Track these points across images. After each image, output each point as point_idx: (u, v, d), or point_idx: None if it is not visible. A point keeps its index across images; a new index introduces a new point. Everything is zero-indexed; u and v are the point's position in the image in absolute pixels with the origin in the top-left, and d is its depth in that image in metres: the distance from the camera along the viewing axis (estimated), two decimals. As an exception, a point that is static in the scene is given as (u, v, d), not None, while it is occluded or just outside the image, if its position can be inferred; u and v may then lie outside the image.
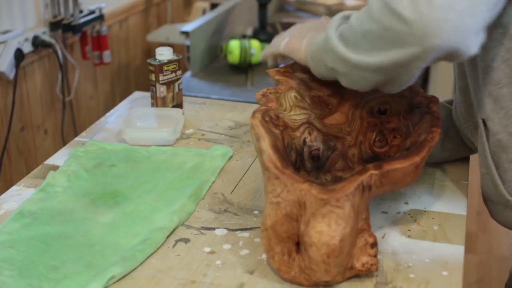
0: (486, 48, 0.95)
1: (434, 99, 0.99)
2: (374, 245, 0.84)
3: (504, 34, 0.92)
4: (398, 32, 0.78)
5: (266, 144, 0.86)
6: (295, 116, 0.99)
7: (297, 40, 1.04)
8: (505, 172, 0.97)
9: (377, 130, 1.02)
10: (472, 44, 0.79)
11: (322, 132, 1.01)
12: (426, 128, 0.93)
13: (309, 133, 0.99)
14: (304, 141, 0.99)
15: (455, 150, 1.14)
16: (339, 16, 0.93)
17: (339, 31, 0.89)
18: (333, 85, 1.02)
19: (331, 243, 0.79)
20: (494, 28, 0.93)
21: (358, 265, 0.84)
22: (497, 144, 0.97)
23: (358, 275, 0.86)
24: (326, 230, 0.79)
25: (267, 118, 0.92)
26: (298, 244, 0.83)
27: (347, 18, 0.92)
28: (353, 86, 0.91)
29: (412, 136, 0.95)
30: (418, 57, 0.79)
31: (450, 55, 0.80)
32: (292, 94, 1.01)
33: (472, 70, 1.01)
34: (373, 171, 0.83)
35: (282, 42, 1.08)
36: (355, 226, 0.82)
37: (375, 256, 0.84)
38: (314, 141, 0.99)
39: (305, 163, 0.98)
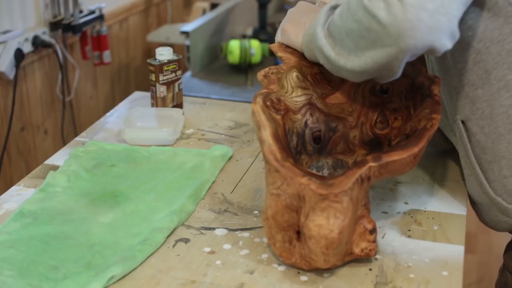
0: (458, 50, 0.96)
1: (435, 80, 0.97)
2: (373, 231, 0.86)
3: (473, 36, 0.93)
4: (376, 33, 0.80)
5: (266, 134, 0.86)
6: (297, 97, 0.99)
7: (293, 28, 1.04)
8: (486, 172, 0.98)
9: (378, 110, 1.01)
10: (447, 41, 0.80)
11: (324, 113, 1.01)
12: (426, 114, 0.92)
13: (311, 115, 0.99)
14: (306, 123, 0.99)
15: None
16: (326, 9, 0.93)
17: (326, 27, 0.90)
18: None
19: (329, 236, 0.80)
20: (464, 31, 0.93)
21: (357, 250, 0.86)
22: (477, 145, 0.98)
23: (357, 275, 0.86)
24: (325, 223, 0.80)
25: (268, 103, 0.92)
26: (298, 232, 0.85)
27: (334, 9, 0.92)
28: (347, 79, 0.93)
29: (412, 120, 0.95)
30: (396, 57, 0.81)
31: (427, 52, 0.81)
32: (294, 74, 1.01)
33: (444, 74, 1.01)
34: (371, 164, 0.83)
35: (279, 31, 1.08)
36: (354, 216, 0.83)
37: (374, 241, 0.86)
38: (316, 122, 1.00)
39: (307, 146, 0.98)
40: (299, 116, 0.98)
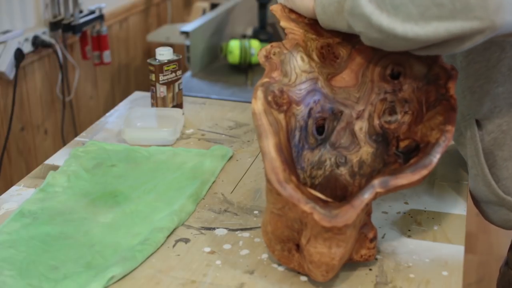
0: (476, 50, 0.95)
1: (452, 73, 0.89)
2: (373, 239, 0.85)
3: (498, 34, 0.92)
4: (466, 3, 0.70)
5: (268, 144, 0.80)
6: (301, 84, 0.92)
7: None
8: (500, 170, 0.97)
9: (387, 99, 0.94)
10: None
11: (329, 99, 0.94)
12: (440, 123, 0.85)
13: (315, 102, 0.93)
14: (309, 112, 0.92)
15: None
16: None
17: None
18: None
19: (330, 263, 0.79)
20: None
21: (356, 257, 0.85)
22: (492, 142, 0.97)
23: (357, 275, 0.86)
24: (327, 252, 0.79)
25: (269, 98, 0.86)
26: (297, 244, 0.84)
27: None
28: (382, 48, 0.84)
29: (423, 123, 0.88)
30: (482, 31, 0.72)
31: (510, 35, 0.74)
32: (299, 55, 0.93)
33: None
34: (378, 190, 0.79)
35: None
36: (356, 234, 0.82)
37: (374, 248, 0.85)
38: (320, 110, 0.94)
39: (309, 138, 0.93)
40: (302, 107, 0.92)
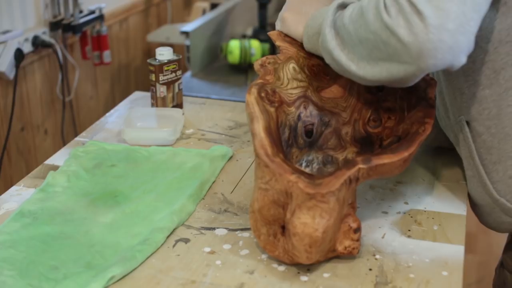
0: None
1: (431, 82, 0.98)
2: (357, 230, 0.87)
3: (481, 37, 0.93)
4: (395, 49, 0.79)
5: (259, 127, 0.86)
6: (292, 90, 0.99)
7: (293, 17, 1.03)
8: (490, 173, 0.97)
9: (372, 108, 1.02)
10: (464, 57, 0.80)
11: (318, 107, 1.01)
12: (420, 117, 0.92)
13: (305, 108, 1.00)
14: (299, 116, 0.99)
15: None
16: (333, 6, 0.91)
17: (334, 27, 0.89)
18: None
19: (314, 235, 0.81)
20: None
21: (340, 248, 0.87)
22: (482, 145, 0.97)
23: (357, 275, 0.86)
24: (310, 222, 0.81)
25: (263, 94, 0.92)
26: (283, 227, 0.86)
27: (342, 7, 0.91)
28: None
29: (405, 122, 0.95)
30: (414, 73, 0.81)
31: (444, 69, 0.82)
32: (291, 65, 1.01)
33: (448, 74, 1.01)
34: (361, 166, 0.83)
35: (278, 20, 1.07)
36: (340, 215, 0.84)
37: (358, 240, 0.87)
38: (309, 116, 1.00)
39: (298, 139, 0.99)
40: (293, 108, 0.98)
